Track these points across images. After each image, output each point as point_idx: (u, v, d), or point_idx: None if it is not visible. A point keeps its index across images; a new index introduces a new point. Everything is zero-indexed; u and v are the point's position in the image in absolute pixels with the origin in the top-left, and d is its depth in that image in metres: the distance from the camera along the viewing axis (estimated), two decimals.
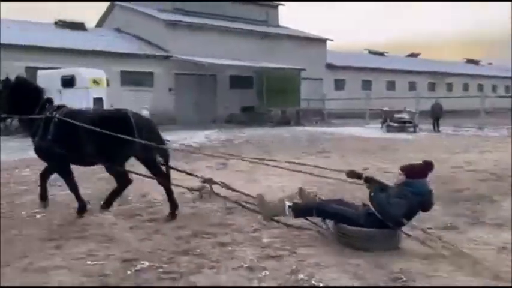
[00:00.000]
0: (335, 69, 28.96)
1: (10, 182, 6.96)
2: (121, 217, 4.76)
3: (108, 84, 15.11)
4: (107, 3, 27.11)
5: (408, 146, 11.99)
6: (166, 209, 4.75)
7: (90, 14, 63.36)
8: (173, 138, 14.78)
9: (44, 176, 4.86)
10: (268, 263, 3.37)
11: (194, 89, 22.84)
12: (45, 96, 4.98)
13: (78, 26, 23.26)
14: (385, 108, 19.27)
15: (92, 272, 3.23)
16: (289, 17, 64.32)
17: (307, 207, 3.96)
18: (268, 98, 22.72)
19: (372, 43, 79.11)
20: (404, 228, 3.74)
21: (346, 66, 29.65)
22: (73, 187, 4.83)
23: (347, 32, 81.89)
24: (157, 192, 5.93)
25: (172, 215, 4.65)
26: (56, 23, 22.93)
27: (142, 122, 4.75)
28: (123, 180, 4.76)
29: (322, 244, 3.79)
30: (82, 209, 4.81)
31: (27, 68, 17.75)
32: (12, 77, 5.03)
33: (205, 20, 24.23)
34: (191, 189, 4.67)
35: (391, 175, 6.82)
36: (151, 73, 21.88)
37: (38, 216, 4.83)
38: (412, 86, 32.72)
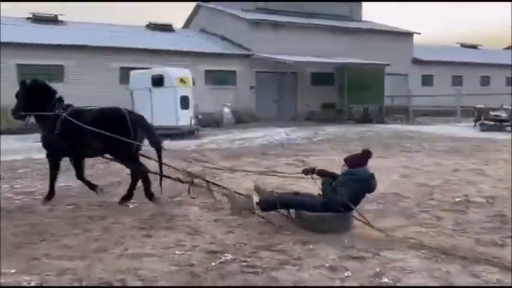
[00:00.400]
0: (422, 64, 27.39)
1: (106, 174, 7.58)
2: (206, 210, 4.96)
3: (194, 83, 15.77)
4: (193, 4, 28.34)
5: (505, 147, 11.00)
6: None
7: (178, 15, 66.64)
8: (254, 135, 15.14)
9: (56, 166, 5.52)
10: (350, 264, 3.30)
11: (275, 86, 23.03)
12: (57, 96, 5.59)
13: (167, 28, 24.60)
14: (478, 106, 17.82)
15: (180, 261, 3.41)
16: (374, 11, 62.10)
17: (271, 202, 4.41)
18: (349, 94, 22.17)
19: (464, 35, 73.60)
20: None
21: (435, 60, 27.89)
22: (53, 176, 5.47)
23: (437, 25, 76.98)
24: (239, 187, 6.11)
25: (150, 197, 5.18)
26: (147, 25, 24.46)
27: (136, 118, 5.30)
28: (142, 170, 5.28)
29: (408, 248, 3.62)
30: (50, 197, 5.41)
31: (121, 69, 19.20)
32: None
33: (286, 17, 24.29)
34: (179, 180, 5.00)
35: (484, 178, 6.31)
36: (233, 72, 22.46)
37: (130, 206, 5.21)
38: (509, 82, 29.91)
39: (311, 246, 3.68)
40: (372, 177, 4.20)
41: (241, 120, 20.85)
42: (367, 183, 4.18)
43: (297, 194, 4.59)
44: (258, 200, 4.47)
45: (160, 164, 5.26)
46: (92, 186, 5.60)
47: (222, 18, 25.19)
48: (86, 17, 38.61)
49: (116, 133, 5.00)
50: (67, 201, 5.43)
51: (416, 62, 27.26)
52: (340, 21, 26.08)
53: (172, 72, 15.35)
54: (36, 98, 5.54)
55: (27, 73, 17.83)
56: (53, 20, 21.74)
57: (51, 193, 5.45)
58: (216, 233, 4.11)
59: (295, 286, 2.97)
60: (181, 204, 5.26)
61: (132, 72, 16.72)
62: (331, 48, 23.70)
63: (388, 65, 22.99)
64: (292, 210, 4.38)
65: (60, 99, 5.61)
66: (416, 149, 10.63)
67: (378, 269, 3.19)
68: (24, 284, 2.96)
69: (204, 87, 20.38)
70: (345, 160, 4.35)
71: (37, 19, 21.43)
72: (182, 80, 15.18)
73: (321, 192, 4.28)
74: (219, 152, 10.68)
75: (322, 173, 4.42)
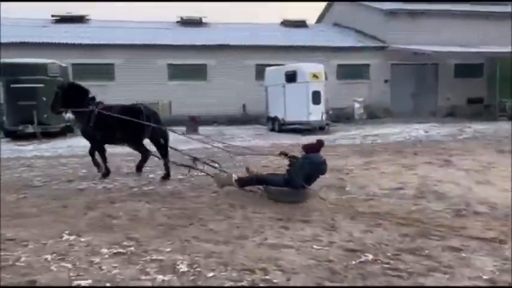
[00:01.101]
0: None
1: (244, 166, 7.94)
2: (340, 206, 4.85)
3: (326, 78, 15.66)
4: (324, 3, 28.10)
5: None
6: (389, 202, 4.62)
7: (311, 12, 66.91)
8: (388, 131, 14.41)
9: (92, 153, 6.89)
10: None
11: (412, 79, 21.62)
12: (90, 95, 6.88)
13: (301, 24, 24.87)
14: None
15: (318, 256, 3.38)
16: None
17: (248, 179, 5.48)
18: (501, 88, 19.67)
19: None
20: None
21: None
22: (103, 158, 6.84)
23: None
24: (375, 184, 5.86)
25: (164, 177, 6.49)
26: (281, 23, 25.04)
27: (150, 113, 6.67)
28: (146, 154, 6.76)
29: None
30: (106, 175, 6.72)
31: (257, 65, 20.00)
32: None
33: (425, 5, 22.50)
34: (182, 165, 6.22)
35: None
36: (367, 65, 21.70)
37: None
38: None
39: (463, 255, 3.32)
40: (323, 162, 5.12)
41: (373, 115, 20.06)
42: (319, 167, 5.11)
43: (272, 174, 5.68)
44: (236, 178, 5.48)
45: (167, 150, 6.77)
46: (97, 166, 6.85)
47: (356, 10, 24.50)
48: (227, 19, 41.38)
49: (134, 124, 6.39)
50: (211, 188, 5.82)
51: None
52: (489, 5, 23.22)
53: (306, 67, 15.45)
54: (73, 97, 6.80)
55: (175, 72, 19.84)
56: (198, 23, 23.65)
57: (97, 166, 6.85)
58: (353, 231, 3.98)
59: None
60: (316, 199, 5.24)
61: (267, 69, 17.30)
62: (479, 37, 21.28)
63: None
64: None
65: (93, 98, 6.87)
66: None
67: None
68: (178, 263, 3.25)
69: (335, 82, 20.11)
70: (302, 148, 5.27)
71: (184, 22, 23.55)
72: (315, 75, 15.18)
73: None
74: (350, 148, 10.40)
75: (291, 156, 5.39)
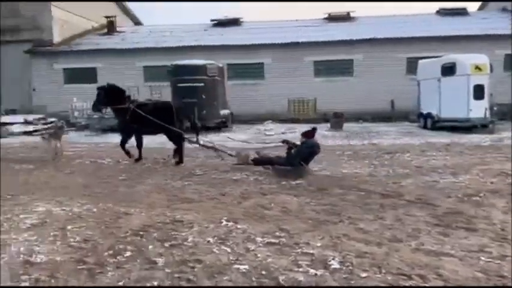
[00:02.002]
0: None
1: (393, 165, 7.55)
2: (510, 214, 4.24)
3: (491, 70, 13.87)
4: None
5: None
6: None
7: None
8: None
9: (123, 145, 8.39)
10: None
11: None
12: (127, 94, 8.63)
13: (460, 12, 22.55)
14: None
15: (487, 269, 3.00)
16: None
17: (260, 159, 7.25)
18: None
19: None
20: None
21: None
22: (139, 146, 8.43)
23: None
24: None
25: (177, 162, 7.97)
26: (437, 11, 23.08)
27: (179, 109, 8.35)
28: (180, 142, 8.10)
29: None
30: (138, 160, 8.29)
31: (408, 59, 18.80)
32: None
33: None
34: (202, 145, 8.31)
35: None
36: None
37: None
38: None
39: None
40: (316, 145, 6.83)
41: None
42: (313, 149, 6.76)
43: (277, 156, 7.15)
44: (253, 158, 7.38)
45: (197, 138, 8.34)
46: (129, 155, 8.28)
47: None
48: (378, 12, 39.73)
49: (165, 118, 7.89)
50: (360, 187, 5.67)
51: None
52: None
53: (466, 59, 13.93)
54: (113, 96, 8.37)
55: (321, 68, 19.93)
56: (345, 18, 23.28)
57: (128, 154, 8.29)
58: None
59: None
60: (480, 205, 4.68)
61: (420, 62, 16.14)
62: None
63: None
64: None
65: (129, 97, 8.59)
66: None
67: None
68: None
69: (502, 75, 17.70)
70: (301, 134, 6.99)
71: (331, 18, 23.44)
72: (477, 67, 13.58)
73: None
74: None
75: (291, 144, 6.93)
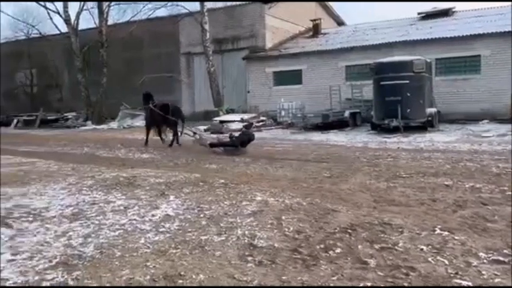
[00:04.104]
0: None
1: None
2: None
3: None
4: None
5: None
6: None
7: None
8: None
9: (147, 130, 12.77)
10: None
11: None
12: (153, 98, 12.87)
13: None
14: None
15: None
16: None
17: (214, 143, 10.51)
18: None
19: None
20: None
21: None
22: (147, 134, 12.59)
23: None
24: None
25: (170, 145, 11.89)
26: None
27: (174, 108, 12.35)
28: (175, 129, 11.95)
29: None
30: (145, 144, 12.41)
31: None
32: None
33: None
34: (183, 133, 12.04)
35: None
36: None
37: None
38: None
39: None
40: (251, 134, 10.54)
41: None
42: (249, 136, 10.29)
43: (225, 141, 10.53)
44: (209, 142, 10.76)
45: (182, 128, 11.99)
46: (163, 140, 12.36)
47: None
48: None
49: (165, 112, 11.89)
50: None
51: None
52: None
53: None
54: (146, 99, 12.75)
55: (442, 66, 17.51)
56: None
57: (146, 143, 12.31)
58: None
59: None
60: None
61: None
62: None
63: None
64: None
65: (152, 99, 12.69)
66: None
67: None
68: None
69: None
70: (243, 126, 12.53)
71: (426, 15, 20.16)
72: None
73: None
74: None
75: (231, 133, 11.02)
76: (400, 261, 3.15)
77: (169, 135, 12.24)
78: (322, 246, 3.49)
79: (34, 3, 28.56)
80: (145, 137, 12.62)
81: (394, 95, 14.23)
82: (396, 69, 14.54)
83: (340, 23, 29.90)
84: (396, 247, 3.43)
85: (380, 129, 15.00)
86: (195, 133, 11.97)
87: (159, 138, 12.49)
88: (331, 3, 29.57)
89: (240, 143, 9.98)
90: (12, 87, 33.11)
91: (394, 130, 14.25)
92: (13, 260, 3.27)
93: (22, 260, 3.27)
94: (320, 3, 28.38)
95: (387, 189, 5.78)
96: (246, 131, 10.85)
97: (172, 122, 11.97)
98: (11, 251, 3.46)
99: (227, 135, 11.07)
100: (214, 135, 13.44)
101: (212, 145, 10.48)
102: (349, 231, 3.86)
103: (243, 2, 25.06)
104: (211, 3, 24.37)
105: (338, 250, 3.39)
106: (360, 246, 3.46)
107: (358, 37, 22.34)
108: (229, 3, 25.49)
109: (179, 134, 11.91)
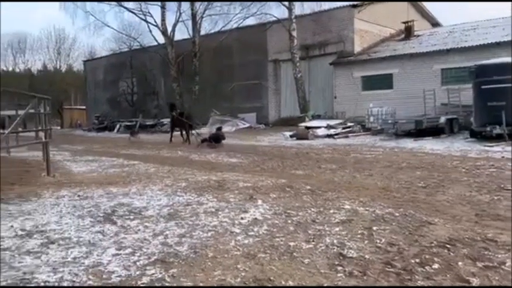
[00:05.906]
0: None
1: None
2: None
3: None
4: None
5: None
6: None
7: None
8: None
9: (171, 134, 18.22)
10: None
11: None
12: (176, 107, 19.14)
13: None
14: None
15: None
16: None
17: (204, 139, 15.49)
18: None
19: None
20: None
21: None
22: (171, 134, 18.17)
23: None
24: None
25: (184, 142, 16.87)
26: None
27: (186, 112, 18.58)
28: (188, 133, 17.03)
29: None
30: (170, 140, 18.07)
31: None
32: None
33: None
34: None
35: None
36: None
37: None
38: None
39: None
40: (221, 134, 15.50)
41: None
42: (218, 136, 15.33)
43: (209, 137, 15.58)
44: (201, 138, 15.76)
45: (192, 129, 17.23)
46: (183, 138, 17.28)
47: None
48: None
49: (183, 117, 17.19)
50: None
51: None
52: None
53: None
54: (171, 107, 18.45)
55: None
56: None
57: (170, 140, 17.58)
58: None
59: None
60: None
61: None
62: None
63: None
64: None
65: (175, 108, 18.67)
66: None
67: None
68: None
69: None
70: (216, 128, 17.36)
71: None
72: None
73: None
74: None
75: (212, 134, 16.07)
76: (508, 282, 2.86)
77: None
78: (417, 260, 3.29)
79: (137, 19, 31.12)
80: (169, 136, 18.08)
81: (497, 100, 13.05)
82: (500, 72, 13.31)
83: (434, 24, 28.26)
84: (503, 266, 3.13)
85: (480, 136, 13.85)
86: (197, 133, 16.80)
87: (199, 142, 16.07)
88: (424, 3, 28.08)
89: (214, 139, 14.95)
90: (115, 95, 36.31)
91: (497, 138, 13.05)
92: (117, 254, 3.55)
93: (125, 255, 3.53)
94: (413, 4, 27.08)
95: (490, 202, 5.31)
96: (218, 132, 15.83)
97: (188, 125, 17.04)
98: (115, 246, 3.76)
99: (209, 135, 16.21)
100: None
101: (202, 141, 15.31)
102: (448, 246, 3.59)
103: (332, 5, 24.85)
104: (298, 10, 24.51)
105: (436, 266, 3.17)
106: (460, 263, 3.21)
107: (456, 38, 20.89)
108: (316, 9, 25.42)
109: (190, 134, 16.81)
